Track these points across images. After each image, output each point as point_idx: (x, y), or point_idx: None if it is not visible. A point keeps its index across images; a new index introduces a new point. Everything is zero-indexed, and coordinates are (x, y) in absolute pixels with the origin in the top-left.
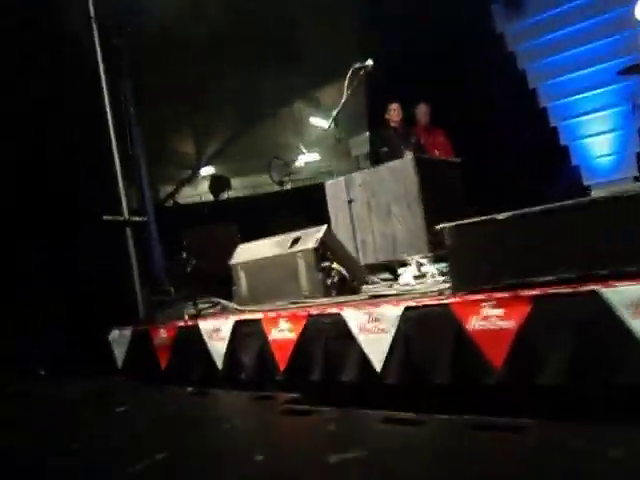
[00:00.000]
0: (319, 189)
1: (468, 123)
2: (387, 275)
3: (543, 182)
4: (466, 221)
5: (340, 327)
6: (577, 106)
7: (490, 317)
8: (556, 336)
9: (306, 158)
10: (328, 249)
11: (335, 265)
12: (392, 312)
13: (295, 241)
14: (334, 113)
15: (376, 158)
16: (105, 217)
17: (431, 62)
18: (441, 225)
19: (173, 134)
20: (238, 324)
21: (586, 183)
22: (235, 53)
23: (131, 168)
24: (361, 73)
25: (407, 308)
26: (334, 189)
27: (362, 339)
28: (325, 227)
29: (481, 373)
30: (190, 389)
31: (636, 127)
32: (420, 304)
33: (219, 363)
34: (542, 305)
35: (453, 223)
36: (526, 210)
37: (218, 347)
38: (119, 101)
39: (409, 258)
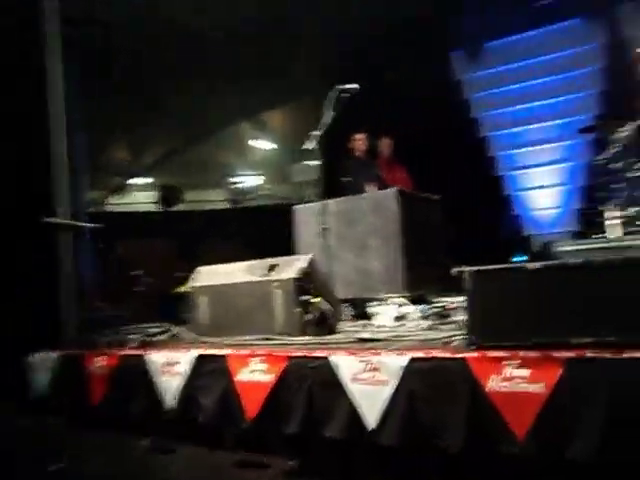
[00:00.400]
0: (262, 211)
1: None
2: (352, 311)
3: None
4: (492, 267)
5: (327, 374)
6: (525, 158)
7: (514, 378)
8: (590, 406)
9: (249, 180)
10: (311, 281)
11: (316, 300)
12: (396, 362)
13: (272, 268)
14: (316, 133)
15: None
16: (45, 219)
17: (390, 98)
18: (461, 268)
19: (113, 141)
20: (200, 360)
21: (526, 233)
22: (186, 69)
23: (68, 171)
24: (343, 96)
25: (414, 359)
26: (305, 215)
27: (354, 390)
28: (310, 256)
29: (500, 441)
30: (146, 442)
31: (580, 184)
32: (430, 356)
33: (170, 403)
34: (576, 370)
35: (476, 267)
36: (564, 262)
37: (172, 384)
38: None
39: (385, 296)
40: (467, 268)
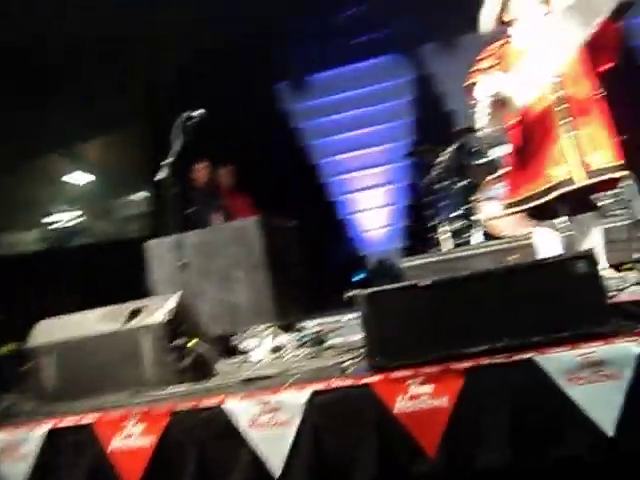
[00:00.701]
0: (90, 251)
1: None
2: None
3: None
4: (384, 288)
5: (220, 424)
6: (354, 182)
7: (419, 396)
8: (492, 411)
9: (66, 217)
10: (182, 322)
11: (191, 342)
12: (296, 399)
13: (134, 313)
14: (167, 161)
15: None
16: None
17: (226, 127)
18: (352, 292)
19: None
20: (54, 434)
21: (362, 253)
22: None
23: None
24: (189, 123)
25: (316, 392)
26: (159, 250)
27: (254, 436)
28: (177, 295)
29: (413, 462)
30: None
31: (405, 203)
32: (332, 387)
33: None
34: (475, 379)
35: (368, 290)
36: (452, 276)
37: (15, 472)
38: None
39: (256, 329)
40: (359, 291)
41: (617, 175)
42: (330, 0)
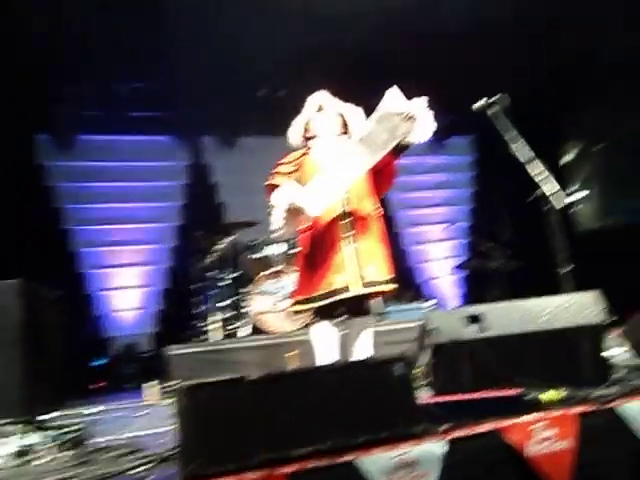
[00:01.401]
0: None
1: None
2: None
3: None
4: (205, 381)
5: None
6: (108, 257)
7: None
8: None
9: None
10: None
11: None
12: None
13: None
14: None
15: None
16: None
17: None
18: (169, 384)
19: None
20: None
21: (107, 335)
22: None
23: None
24: None
25: None
26: None
27: None
28: None
29: None
30: None
31: (163, 286)
32: None
33: None
34: None
35: (188, 383)
36: (281, 371)
37: None
38: None
39: None
40: (177, 383)
41: (387, 288)
42: (117, 67)
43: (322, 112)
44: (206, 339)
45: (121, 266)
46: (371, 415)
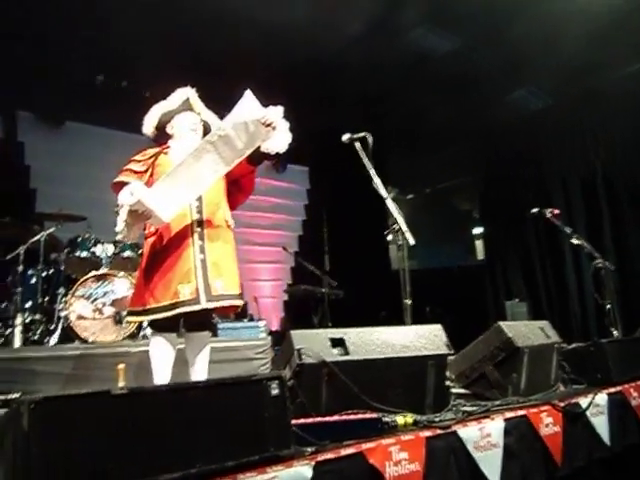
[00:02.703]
0: None
1: None
2: None
3: None
4: (60, 394)
5: None
6: None
7: None
8: None
9: None
10: None
11: None
12: None
13: None
14: None
15: None
16: None
17: None
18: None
19: None
20: None
21: None
22: None
23: None
24: None
25: None
26: None
27: None
28: None
29: None
30: None
31: None
32: None
33: None
34: None
35: (35, 396)
36: (154, 386)
37: None
38: None
39: None
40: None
41: (236, 303)
42: None
43: (188, 112)
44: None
45: None
46: (242, 437)
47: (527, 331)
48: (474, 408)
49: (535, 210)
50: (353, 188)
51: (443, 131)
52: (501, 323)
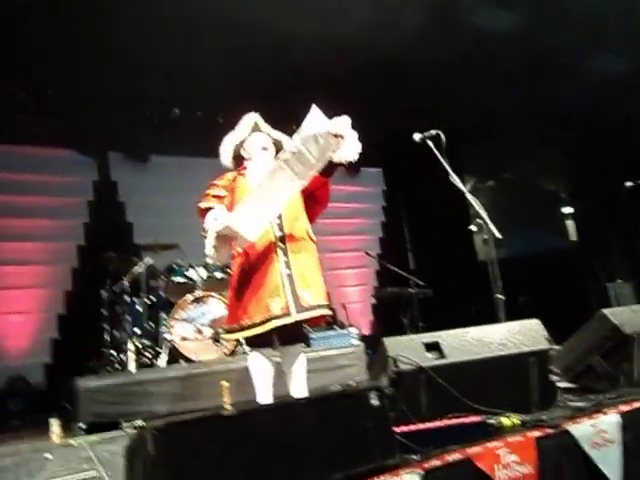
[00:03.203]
0: None
1: None
2: None
3: None
4: (179, 419)
5: None
6: None
7: None
8: None
9: None
10: None
11: None
12: None
13: None
14: None
15: None
16: None
17: None
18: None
19: None
20: None
21: None
22: None
23: None
24: None
25: None
26: None
27: None
28: None
29: None
30: None
31: (56, 312)
32: None
33: None
34: None
35: (157, 422)
36: (258, 405)
37: None
38: None
39: None
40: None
41: (325, 312)
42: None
43: (256, 133)
44: (117, 369)
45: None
46: (347, 449)
47: (635, 315)
48: (584, 403)
49: (630, 184)
50: (429, 184)
51: (517, 113)
52: (605, 310)
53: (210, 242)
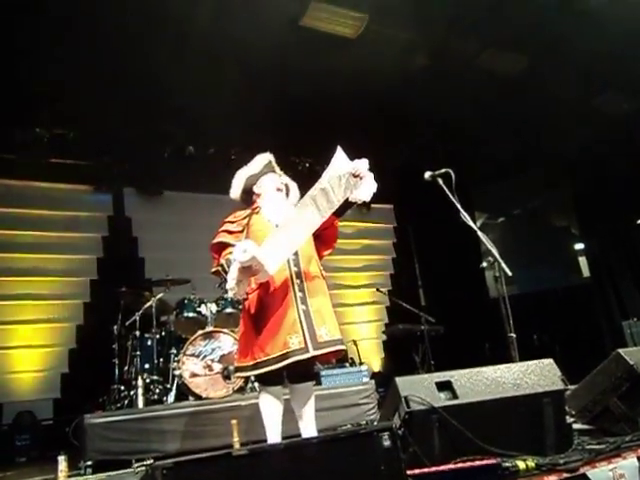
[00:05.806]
0: None
1: None
2: None
3: None
4: (190, 458)
5: None
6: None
7: None
8: None
9: None
10: None
11: None
12: None
13: None
14: None
15: None
16: None
17: None
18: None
19: None
20: None
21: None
22: None
23: None
24: None
25: None
26: None
27: None
28: None
29: None
30: None
31: (67, 347)
32: None
33: None
34: None
35: (170, 460)
36: (270, 444)
37: None
38: None
39: None
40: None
41: (341, 348)
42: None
43: (272, 174)
44: (125, 405)
45: (23, 322)
46: None
47: None
48: (602, 446)
49: None
50: (440, 220)
51: (525, 150)
52: (620, 350)
53: (233, 275)
